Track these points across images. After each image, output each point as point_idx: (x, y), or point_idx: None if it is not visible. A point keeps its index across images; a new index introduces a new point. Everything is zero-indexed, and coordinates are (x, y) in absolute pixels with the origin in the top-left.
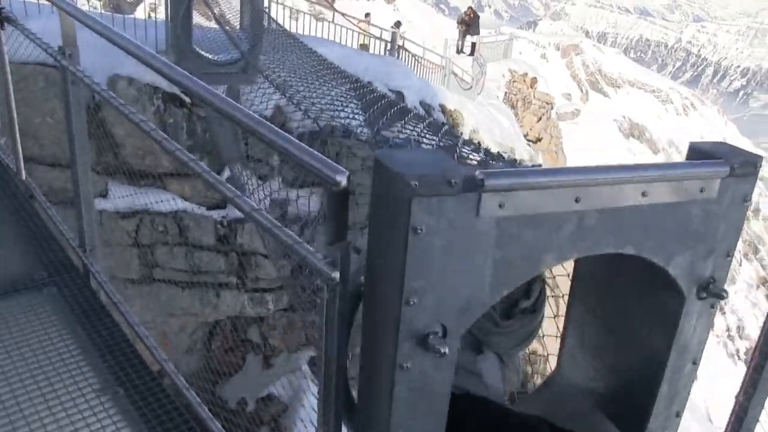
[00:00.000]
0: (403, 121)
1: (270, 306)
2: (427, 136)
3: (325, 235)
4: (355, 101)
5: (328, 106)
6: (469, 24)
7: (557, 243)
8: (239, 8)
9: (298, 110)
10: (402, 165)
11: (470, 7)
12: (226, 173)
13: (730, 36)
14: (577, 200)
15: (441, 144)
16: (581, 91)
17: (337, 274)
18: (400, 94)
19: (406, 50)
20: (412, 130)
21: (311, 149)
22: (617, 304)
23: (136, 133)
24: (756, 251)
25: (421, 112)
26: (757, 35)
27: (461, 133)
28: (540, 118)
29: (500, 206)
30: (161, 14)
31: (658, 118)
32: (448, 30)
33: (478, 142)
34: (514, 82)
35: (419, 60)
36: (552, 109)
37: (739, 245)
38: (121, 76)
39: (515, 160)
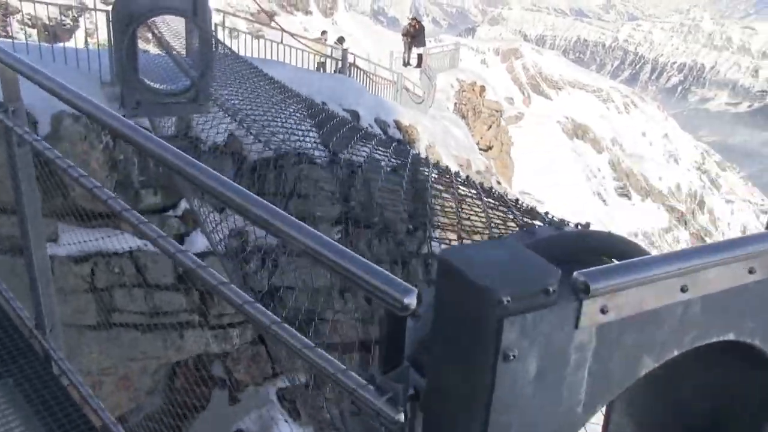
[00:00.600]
0: (354, 140)
1: (235, 341)
2: (380, 152)
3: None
4: (307, 122)
5: (280, 129)
6: (415, 35)
7: (659, 341)
8: (183, 33)
9: (250, 136)
10: (484, 273)
11: (414, 18)
12: (183, 206)
13: (665, 33)
14: (683, 289)
15: (392, 162)
16: (523, 94)
17: (401, 416)
18: (354, 114)
19: (357, 67)
20: (364, 147)
21: (376, 267)
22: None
23: (87, 170)
24: (703, 243)
25: (377, 129)
26: (691, 31)
27: (416, 149)
28: (490, 126)
29: (602, 311)
30: (100, 39)
31: (600, 117)
32: (389, 42)
33: (436, 161)
34: (463, 91)
35: (370, 77)
36: (501, 116)
37: (687, 238)
38: (66, 113)
39: (563, 222)
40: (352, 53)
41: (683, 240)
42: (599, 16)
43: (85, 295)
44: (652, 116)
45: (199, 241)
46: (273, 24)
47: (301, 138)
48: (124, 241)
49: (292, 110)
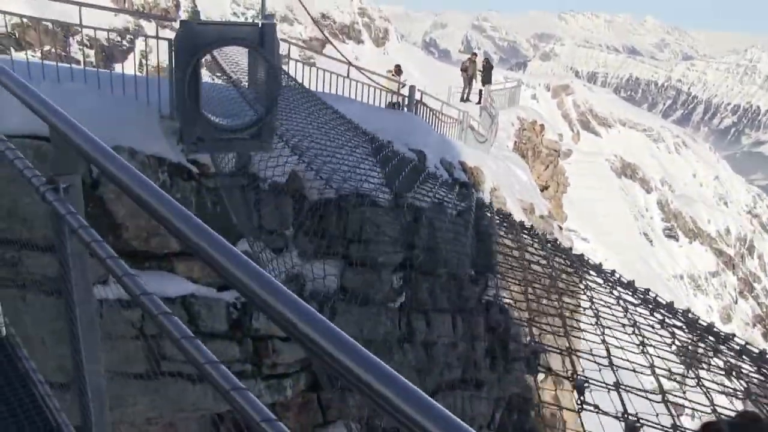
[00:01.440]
0: (418, 182)
1: (288, 392)
2: (447, 198)
3: None
4: (371, 160)
5: (343, 167)
6: (482, 71)
7: None
8: (247, 64)
9: (315, 175)
10: None
11: (484, 58)
12: (243, 245)
13: (720, 73)
14: None
15: (457, 206)
16: (572, 130)
17: None
18: (421, 154)
19: (423, 104)
20: (428, 192)
21: None
22: None
23: (140, 212)
24: (751, 289)
25: (442, 170)
26: (747, 72)
27: (482, 192)
28: (547, 166)
29: None
30: (157, 62)
31: (650, 156)
32: (439, 73)
33: (498, 207)
34: (523, 130)
35: (437, 115)
36: (559, 156)
37: (734, 283)
38: (122, 147)
39: (763, 352)
40: (419, 90)
41: (730, 284)
42: (652, 55)
43: (134, 342)
44: (704, 157)
45: None
46: (336, 54)
47: (364, 177)
48: (177, 285)
49: (357, 149)
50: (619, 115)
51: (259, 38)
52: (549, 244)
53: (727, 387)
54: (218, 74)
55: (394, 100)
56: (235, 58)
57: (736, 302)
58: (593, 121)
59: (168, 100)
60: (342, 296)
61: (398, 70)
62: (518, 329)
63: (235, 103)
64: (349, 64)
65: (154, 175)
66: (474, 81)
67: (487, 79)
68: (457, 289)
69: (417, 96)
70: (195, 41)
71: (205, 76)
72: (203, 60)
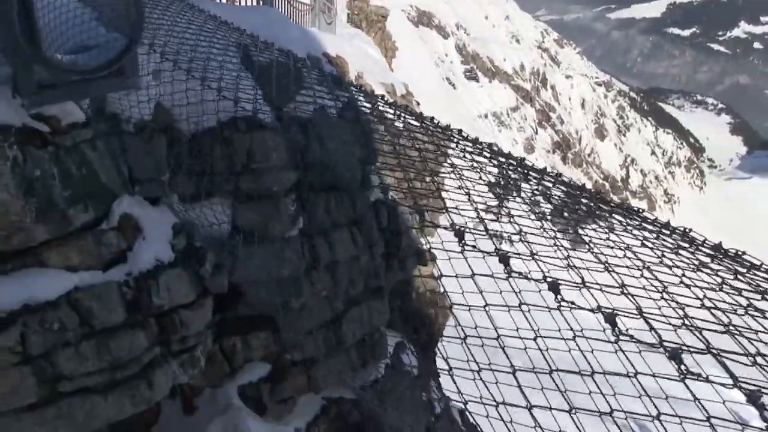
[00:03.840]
0: (295, 88)
1: (202, 362)
2: (323, 96)
3: None
4: (245, 72)
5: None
6: None
7: None
8: None
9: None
10: None
11: None
12: (117, 211)
13: None
14: None
15: (340, 102)
16: None
17: None
18: (288, 52)
19: None
20: (308, 98)
21: None
22: None
23: None
24: (548, 119)
25: (310, 68)
26: None
27: (349, 81)
28: (376, 33)
29: None
30: None
31: (443, 3)
32: None
33: (378, 93)
34: (353, 0)
35: (291, 2)
36: (386, 21)
37: (533, 114)
38: None
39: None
40: None
41: (530, 116)
42: None
43: (18, 369)
44: None
45: (144, 255)
46: None
47: (242, 93)
48: (56, 282)
49: (229, 58)
50: None
51: None
52: (426, 123)
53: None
54: None
55: None
56: None
57: (536, 132)
58: None
59: None
60: (239, 238)
61: None
62: (405, 221)
63: (81, 26)
64: None
65: (2, 154)
66: None
67: None
68: (351, 199)
69: None
70: None
71: None
72: None
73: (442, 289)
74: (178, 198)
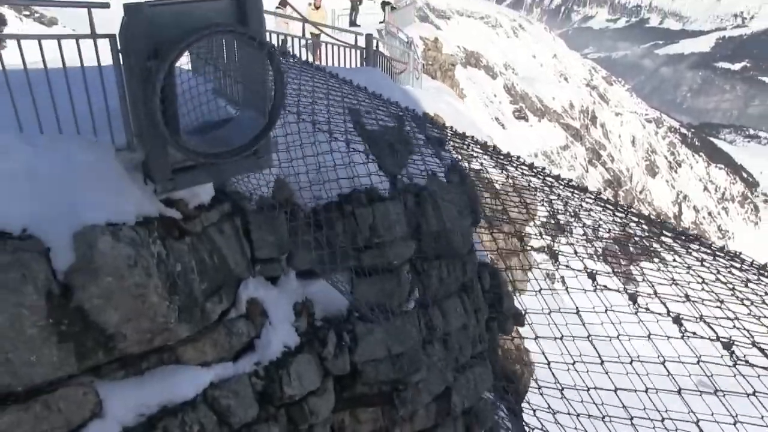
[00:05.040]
0: (407, 154)
1: None
2: (438, 165)
3: None
4: (358, 140)
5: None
6: None
7: None
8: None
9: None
10: None
11: (383, 2)
12: (243, 295)
13: None
14: None
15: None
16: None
17: None
18: (402, 116)
19: (381, 54)
20: (419, 163)
21: None
22: None
23: (142, 310)
24: (599, 157)
25: (415, 130)
26: None
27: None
28: (446, 80)
29: None
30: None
31: (490, 43)
32: None
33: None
34: (428, 50)
35: (390, 62)
36: (455, 68)
37: (583, 153)
38: (98, 226)
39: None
40: (375, 37)
41: (580, 155)
42: None
43: None
44: (541, 38)
45: (272, 341)
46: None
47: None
48: (192, 379)
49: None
50: (456, 5)
51: (237, 12)
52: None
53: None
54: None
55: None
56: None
57: (587, 171)
58: (431, 14)
59: (122, 124)
60: (358, 315)
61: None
62: (504, 281)
63: (212, 106)
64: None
65: (147, 252)
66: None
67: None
68: (461, 265)
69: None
70: (152, 35)
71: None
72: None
73: (525, 345)
74: (296, 275)
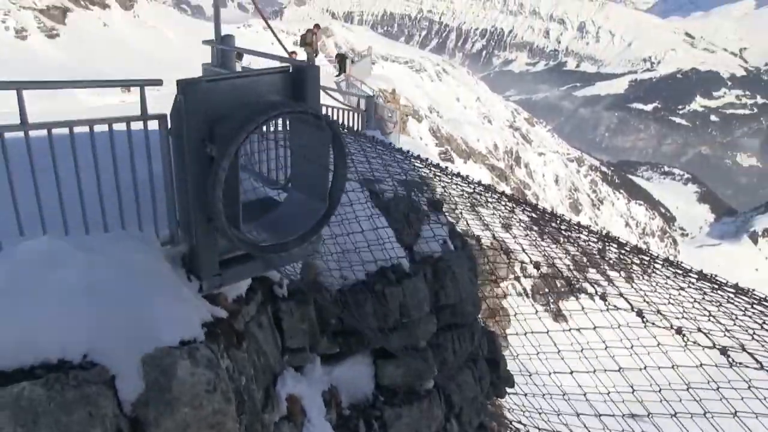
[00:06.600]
0: (418, 222)
1: None
2: (442, 230)
3: None
4: (376, 212)
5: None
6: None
7: None
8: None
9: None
10: None
11: (337, 53)
12: (285, 386)
13: (466, 1)
14: None
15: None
16: (335, 69)
17: None
18: (405, 183)
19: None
20: (431, 231)
21: None
22: None
23: None
24: (524, 196)
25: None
26: None
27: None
28: (402, 130)
29: None
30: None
31: (415, 87)
32: (202, 34)
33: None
34: (387, 101)
35: (385, 122)
36: (409, 117)
37: (508, 192)
38: (174, 349)
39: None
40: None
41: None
42: None
43: None
44: (464, 81)
45: None
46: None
47: (386, 240)
48: None
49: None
50: (381, 50)
51: (292, 84)
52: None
53: None
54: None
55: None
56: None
57: (512, 211)
58: (357, 59)
59: (166, 213)
60: (383, 399)
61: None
62: (500, 344)
63: (249, 184)
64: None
65: (223, 373)
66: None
67: (343, 68)
68: (470, 332)
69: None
70: (207, 113)
71: None
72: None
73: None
74: (321, 362)
